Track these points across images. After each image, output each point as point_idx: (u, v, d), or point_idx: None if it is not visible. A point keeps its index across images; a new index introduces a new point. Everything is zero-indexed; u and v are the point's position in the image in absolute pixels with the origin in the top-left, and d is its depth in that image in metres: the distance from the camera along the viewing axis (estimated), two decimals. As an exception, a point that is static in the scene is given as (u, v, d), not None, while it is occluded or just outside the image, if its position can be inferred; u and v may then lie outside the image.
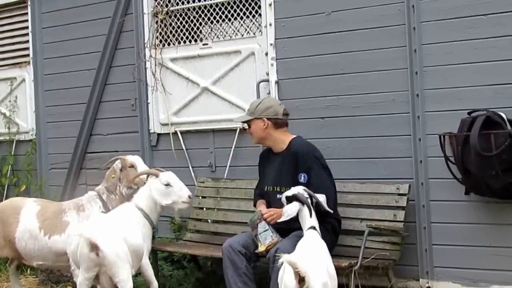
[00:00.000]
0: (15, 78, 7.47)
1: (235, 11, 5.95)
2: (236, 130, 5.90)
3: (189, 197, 4.94)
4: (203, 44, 6.14)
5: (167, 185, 4.91)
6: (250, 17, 5.93)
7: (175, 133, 6.25)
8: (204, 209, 5.85)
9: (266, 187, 4.81)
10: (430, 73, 4.98)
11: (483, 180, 4.51)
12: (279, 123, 4.79)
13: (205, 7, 6.12)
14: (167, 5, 6.29)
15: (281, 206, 4.40)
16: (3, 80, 7.55)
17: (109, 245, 4.28)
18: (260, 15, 5.81)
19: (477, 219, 4.82)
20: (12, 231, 5.13)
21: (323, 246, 4.06)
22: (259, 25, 5.84)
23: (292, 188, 4.32)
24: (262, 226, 4.59)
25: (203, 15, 6.16)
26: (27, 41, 7.33)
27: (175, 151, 6.22)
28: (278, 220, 4.32)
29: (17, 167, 7.44)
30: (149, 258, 5.01)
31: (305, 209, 4.18)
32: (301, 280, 3.52)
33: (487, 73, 4.76)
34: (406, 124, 5.08)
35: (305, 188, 4.33)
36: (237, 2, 5.92)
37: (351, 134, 5.30)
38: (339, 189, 4.85)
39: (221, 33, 6.15)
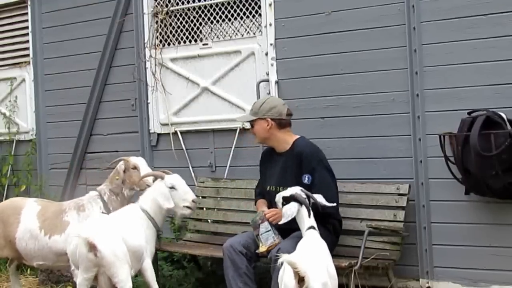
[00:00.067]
0: (15, 78, 7.47)
1: (235, 11, 5.95)
2: (236, 130, 5.90)
3: (193, 201, 4.90)
4: (203, 44, 6.14)
5: (172, 188, 4.85)
6: (250, 17, 5.93)
7: (175, 133, 6.25)
8: (204, 209, 5.85)
9: (268, 187, 4.80)
10: (430, 73, 4.98)
11: (483, 180, 4.51)
12: (283, 124, 4.78)
13: (205, 7, 6.12)
14: (167, 5, 6.29)
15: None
16: (3, 80, 7.55)
17: (107, 245, 4.28)
18: (260, 15, 5.81)
19: (477, 219, 4.82)
20: (13, 231, 5.13)
21: (323, 246, 4.05)
22: (259, 25, 5.84)
23: (289, 189, 4.31)
24: (264, 226, 4.57)
25: (203, 15, 6.16)
26: (27, 41, 7.33)
27: (175, 151, 6.22)
28: (280, 222, 4.31)
29: (17, 167, 7.44)
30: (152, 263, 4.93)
31: (303, 210, 4.18)
32: (300, 280, 3.52)
33: (487, 73, 4.76)
34: (406, 124, 5.08)
35: (302, 188, 4.32)
36: (237, 2, 5.92)
37: (351, 134, 5.30)
38: (339, 189, 4.84)
39: (221, 33, 6.15)
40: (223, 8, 6.01)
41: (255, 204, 5.02)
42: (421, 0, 4.98)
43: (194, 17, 6.19)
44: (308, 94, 5.47)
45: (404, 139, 5.10)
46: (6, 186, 7.39)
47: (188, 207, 4.90)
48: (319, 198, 4.36)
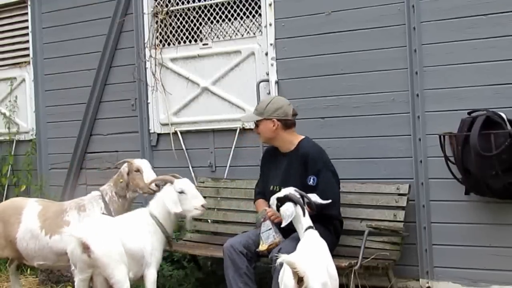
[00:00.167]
0: (15, 78, 7.47)
1: (235, 11, 5.95)
2: (236, 130, 5.90)
3: (203, 206, 4.80)
4: (203, 44, 6.14)
5: (181, 192, 4.75)
6: (250, 17, 5.93)
7: (175, 133, 6.25)
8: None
9: (272, 187, 4.77)
10: (430, 73, 4.98)
11: (483, 180, 4.51)
12: (288, 124, 4.76)
13: (205, 7, 6.12)
14: (167, 5, 6.30)
15: None
16: (3, 80, 7.55)
17: (101, 246, 4.26)
18: (260, 15, 5.81)
19: (477, 219, 4.82)
20: (14, 231, 5.13)
21: (323, 245, 4.05)
22: (259, 25, 5.84)
23: (283, 190, 4.30)
24: (266, 225, 4.57)
25: (203, 15, 6.16)
26: (27, 41, 7.33)
27: (175, 151, 6.22)
28: (282, 225, 4.31)
29: (17, 167, 7.44)
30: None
31: (299, 209, 4.17)
32: (300, 280, 3.51)
33: (487, 73, 4.76)
34: (406, 124, 5.08)
35: (296, 188, 4.32)
36: (237, 2, 5.92)
37: (351, 134, 5.30)
38: (340, 189, 4.85)
39: (221, 33, 6.15)
40: (223, 8, 6.01)
41: (254, 203, 5.02)
42: (421, 0, 4.98)
43: (194, 17, 6.19)
44: (308, 94, 5.47)
45: (404, 139, 5.10)
46: (6, 186, 7.39)
47: (197, 209, 4.79)
48: (314, 197, 4.36)
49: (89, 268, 4.31)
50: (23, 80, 7.41)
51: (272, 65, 5.69)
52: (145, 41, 6.38)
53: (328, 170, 4.65)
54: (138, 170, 5.13)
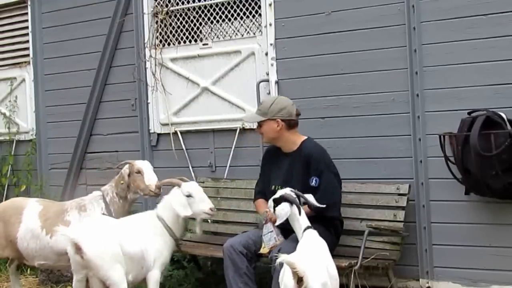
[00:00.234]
0: (15, 78, 7.47)
1: (235, 11, 5.95)
2: (236, 130, 5.90)
3: (211, 209, 4.76)
4: (203, 44, 6.14)
5: (189, 196, 4.73)
6: (250, 17, 5.93)
7: (175, 133, 6.25)
8: (204, 209, 5.84)
9: (273, 187, 4.76)
10: (430, 73, 4.98)
11: (483, 180, 4.51)
12: (292, 124, 4.76)
13: (205, 7, 6.12)
14: (167, 5, 6.30)
15: None
16: (3, 80, 7.55)
17: (93, 248, 4.24)
18: (260, 15, 5.81)
19: (477, 219, 4.82)
20: (14, 231, 5.13)
21: (323, 245, 4.05)
22: (259, 25, 5.84)
23: (279, 191, 4.30)
24: (267, 227, 4.55)
25: (203, 15, 6.16)
26: (27, 41, 7.33)
27: (175, 151, 6.22)
28: (276, 224, 4.31)
29: (17, 167, 7.44)
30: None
31: (295, 209, 4.17)
32: (299, 280, 3.51)
33: (487, 73, 4.76)
34: (406, 124, 5.08)
35: (291, 189, 4.33)
36: (237, 2, 5.92)
37: (351, 134, 5.30)
38: (340, 189, 4.86)
39: (221, 33, 6.15)
40: (223, 8, 6.01)
41: (254, 202, 5.02)
42: (421, 0, 4.98)
43: (194, 17, 6.19)
44: (308, 94, 5.47)
45: (404, 139, 5.10)
46: (6, 186, 7.39)
47: (206, 212, 4.77)
48: (310, 198, 4.36)
49: (83, 269, 4.30)
50: (23, 80, 7.41)
51: (272, 65, 5.69)
52: (145, 41, 6.38)
53: (331, 171, 4.65)
54: (139, 172, 5.11)
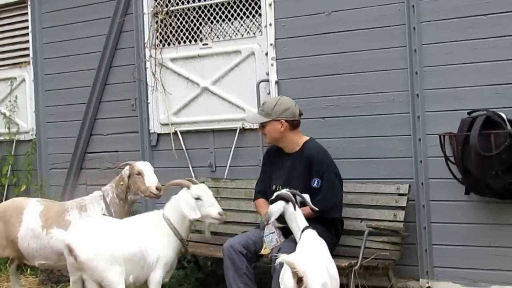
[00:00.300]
0: (15, 78, 7.47)
1: (235, 11, 5.95)
2: (236, 130, 5.90)
3: (220, 214, 4.65)
4: (203, 44, 6.14)
5: (197, 199, 4.63)
6: (250, 17, 5.93)
7: (175, 133, 6.25)
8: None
9: (274, 187, 4.76)
10: (430, 73, 4.98)
11: (483, 180, 4.51)
12: (295, 124, 4.76)
13: (205, 7, 6.12)
14: (167, 5, 6.29)
15: None
16: (3, 80, 7.55)
17: (86, 250, 4.21)
18: (260, 15, 5.81)
19: (477, 219, 4.82)
20: (15, 230, 5.13)
21: (323, 245, 4.05)
22: (259, 25, 5.84)
23: (275, 193, 4.31)
24: (269, 228, 4.53)
25: (203, 15, 6.16)
26: (27, 41, 7.33)
27: (175, 151, 6.21)
28: (269, 222, 4.31)
29: (17, 167, 7.44)
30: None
31: (291, 207, 4.17)
32: (299, 280, 3.51)
33: (487, 73, 4.76)
34: (406, 124, 5.08)
35: (288, 189, 4.34)
36: (237, 2, 5.92)
37: (351, 134, 5.30)
38: (339, 189, 4.85)
39: (221, 33, 6.15)
40: (223, 8, 6.01)
41: (254, 201, 5.02)
42: (421, 0, 4.98)
43: (194, 17, 6.19)
44: (308, 94, 5.46)
45: (404, 139, 5.10)
46: (6, 186, 7.39)
47: (214, 217, 4.67)
48: (306, 197, 4.36)
49: (77, 271, 4.28)
50: (23, 80, 7.41)
51: (272, 65, 5.69)
52: (145, 41, 6.38)
53: (332, 173, 4.66)
54: (139, 173, 5.09)
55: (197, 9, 6.17)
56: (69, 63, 6.95)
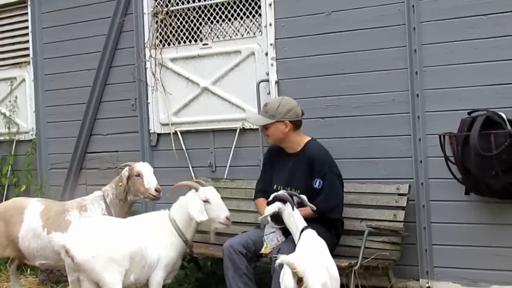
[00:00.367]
0: (15, 78, 7.47)
1: (235, 11, 5.95)
2: (236, 130, 5.90)
3: (227, 218, 4.63)
4: (203, 44, 6.14)
5: (205, 201, 4.60)
6: (250, 17, 5.93)
7: (175, 133, 6.25)
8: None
9: (275, 186, 4.76)
10: (430, 73, 4.98)
11: (483, 180, 4.51)
12: (298, 125, 4.77)
13: (205, 7, 6.12)
14: (167, 5, 6.29)
15: None
16: (3, 80, 7.55)
17: (83, 251, 4.21)
18: (260, 15, 5.81)
19: (477, 219, 4.82)
20: (16, 230, 5.13)
21: (322, 245, 4.05)
22: (259, 25, 5.84)
23: (272, 194, 4.32)
24: (269, 227, 4.52)
25: (203, 15, 6.16)
26: (27, 41, 7.33)
27: (175, 151, 6.21)
28: (262, 216, 4.32)
29: (17, 167, 7.44)
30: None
31: (288, 207, 4.17)
32: (299, 280, 3.51)
33: (487, 73, 4.76)
34: (406, 124, 5.08)
35: (285, 190, 4.35)
36: (237, 2, 5.92)
37: (351, 134, 5.30)
38: (339, 189, 4.85)
39: (221, 33, 6.15)
40: (223, 8, 6.01)
41: (254, 201, 5.02)
42: (421, 0, 4.98)
43: (194, 17, 6.19)
44: (308, 94, 5.46)
45: (404, 139, 5.10)
46: (6, 186, 7.39)
47: (221, 222, 4.65)
48: (304, 198, 4.37)
49: (75, 272, 4.28)
50: (23, 80, 7.41)
51: (272, 65, 5.69)
52: (145, 41, 6.38)
53: (334, 174, 4.66)
54: (138, 175, 5.08)
55: (197, 9, 6.17)
56: (69, 63, 6.95)
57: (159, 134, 6.39)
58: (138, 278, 4.49)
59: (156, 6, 6.35)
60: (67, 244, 4.19)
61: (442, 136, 4.74)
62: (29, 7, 7.29)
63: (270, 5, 5.69)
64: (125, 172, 5.13)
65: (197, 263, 5.77)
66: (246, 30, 5.97)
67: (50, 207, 5.23)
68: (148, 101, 6.41)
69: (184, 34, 6.25)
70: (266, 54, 5.72)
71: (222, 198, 5.65)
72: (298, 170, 4.70)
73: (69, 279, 4.38)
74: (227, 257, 4.65)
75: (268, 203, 4.25)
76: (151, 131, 6.42)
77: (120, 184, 5.11)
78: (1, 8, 7.58)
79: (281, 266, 3.69)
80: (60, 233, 4.36)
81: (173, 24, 6.30)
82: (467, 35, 4.82)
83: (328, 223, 4.61)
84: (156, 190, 5.01)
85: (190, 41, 6.23)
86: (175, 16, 6.29)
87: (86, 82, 6.77)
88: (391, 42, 5.13)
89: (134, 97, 6.51)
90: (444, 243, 4.96)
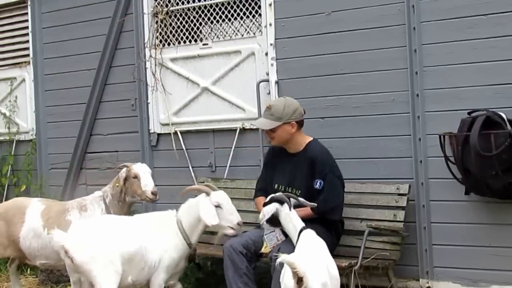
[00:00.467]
0: (15, 78, 7.47)
1: (235, 11, 5.95)
2: (236, 130, 5.90)
3: (238, 224, 4.58)
4: (203, 44, 6.14)
5: (217, 206, 4.55)
6: (250, 17, 5.93)
7: (175, 133, 6.24)
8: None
9: (276, 186, 4.77)
10: (430, 73, 4.98)
11: (483, 180, 4.51)
12: (302, 124, 4.78)
13: (205, 7, 6.12)
14: (167, 5, 6.29)
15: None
16: (3, 80, 7.55)
17: (81, 252, 4.20)
18: (260, 15, 5.81)
19: (477, 219, 4.82)
20: (17, 230, 5.13)
21: (322, 245, 4.04)
22: (259, 25, 5.84)
23: (269, 196, 4.32)
24: (269, 227, 4.54)
25: (203, 15, 6.16)
26: (27, 41, 7.33)
27: (176, 151, 6.21)
28: (261, 222, 4.31)
29: (17, 167, 7.44)
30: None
31: (286, 208, 4.17)
32: (299, 280, 3.51)
33: (487, 73, 4.76)
34: (406, 124, 5.08)
35: (282, 192, 4.36)
36: (237, 2, 5.92)
37: (351, 134, 5.30)
38: (340, 189, 4.85)
39: (221, 33, 6.15)
40: (223, 8, 6.01)
41: (254, 199, 5.02)
42: (421, 0, 4.98)
43: (194, 17, 6.19)
44: (308, 94, 5.46)
45: (404, 139, 5.10)
46: (6, 186, 7.39)
47: (232, 228, 4.59)
48: (302, 199, 4.37)
49: (75, 272, 4.28)
50: (23, 80, 7.41)
51: (272, 65, 5.69)
52: (145, 41, 6.38)
53: (335, 175, 4.66)
54: (136, 177, 5.06)
55: (197, 9, 6.17)
56: (69, 63, 6.95)
57: (159, 134, 6.39)
58: (137, 279, 4.47)
59: (156, 6, 6.35)
60: (67, 245, 4.19)
61: (442, 136, 4.74)
62: (29, 7, 7.29)
63: (270, 5, 5.69)
64: (122, 173, 5.11)
65: (197, 263, 5.76)
66: (246, 30, 5.97)
67: (50, 207, 5.23)
68: (148, 101, 6.41)
69: (184, 34, 6.25)
70: (266, 54, 5.72)
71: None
72: (299, 170, 4.70)
73: (71, 279, 4.38)
74: (227, 257, 4.65)
75: (265, 204, 4.25)
76: (151, 131, 6.42)
77: (117, 184, 5.11)
78: (1, 8, 7.57)
79: (281, 265, 3.70)
80: (61, 232, 4.36)
81: (173, 24, 6.30)
82: (467, 35, 4.82)
83: (328, 224, 4.61)
84: (152, 193, 4.99)
85: (190, 41, 6.23)
86: (175, 16, 6.29)
87: (86, 82, 6.77)
88: (391, 42, 5.13)
89: (134, 97, 6.51)
90: (444, 243, 4.96)
